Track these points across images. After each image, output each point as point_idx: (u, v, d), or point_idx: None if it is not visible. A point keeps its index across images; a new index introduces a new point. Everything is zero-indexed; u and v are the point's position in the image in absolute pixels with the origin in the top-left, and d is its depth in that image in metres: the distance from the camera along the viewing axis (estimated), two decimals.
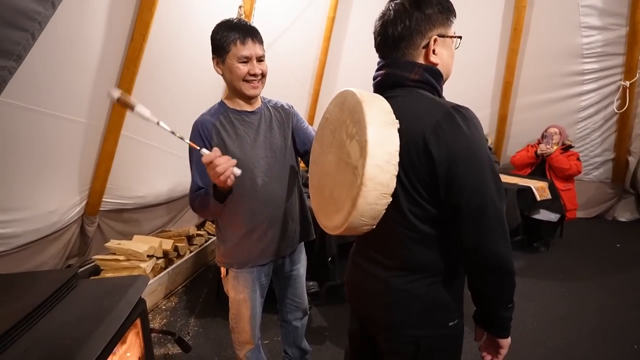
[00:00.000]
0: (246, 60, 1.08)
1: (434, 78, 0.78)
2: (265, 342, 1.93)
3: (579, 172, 3.04)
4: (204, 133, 1.12)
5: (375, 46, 0.84)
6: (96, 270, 2.34)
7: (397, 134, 0.68)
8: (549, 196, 2.77)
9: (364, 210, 0.68)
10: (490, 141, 4.06)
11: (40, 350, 0.85)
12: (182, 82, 2.67)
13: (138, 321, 1.20)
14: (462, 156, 0.69)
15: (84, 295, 1.11)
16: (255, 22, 2.96)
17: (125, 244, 2.34)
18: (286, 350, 1.50)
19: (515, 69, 3.68)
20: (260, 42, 1.11)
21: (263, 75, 1.13)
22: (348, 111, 0.75)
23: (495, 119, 4.04)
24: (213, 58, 1.13)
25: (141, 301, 1.19)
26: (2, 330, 0.84)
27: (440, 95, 0.81)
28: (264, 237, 1.20)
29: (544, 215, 2.84)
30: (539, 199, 2.71)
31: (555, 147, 3.11)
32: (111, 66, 2.15)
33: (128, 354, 1.22)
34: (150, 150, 2.71)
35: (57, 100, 1.88)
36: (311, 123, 4.44)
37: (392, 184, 0.67)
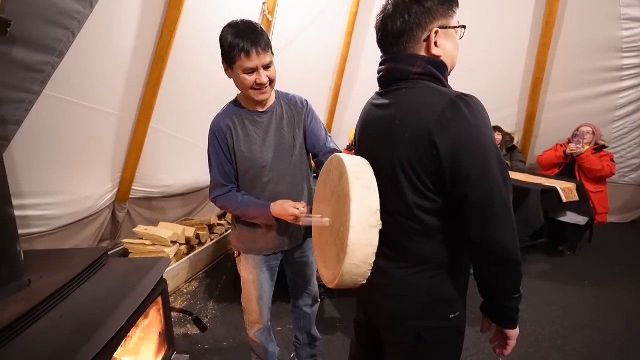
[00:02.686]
0: (252, 71, 1.09)
1: (437, 70, 0.78)
2: (278, 329, 2.00)
3: (612, 174, 2.87)
4: (219, 135, 1.19)
5: (377, 41, 0.84)
6: (125, 253, 2.50)
7: (378, 236, 0.74)
8: (576, 198, 2.63)
9: (345, 284, 0.79)
10: (517, 140, 3.90)
11: (74, 317, 0.95)
12: (207, 76, 2.77)
13: (160, 299, 1.30)
14: (467, 146, 0.69)
15: (112, 272, 1.21)
16: (278, 17, 3.02)
17: (151, 230, 2.49)
18: (297, 336, 1.56)
19: (546, 65, 3.51)
20: (266, 48, 1.08)
21: (272, 81, 1.14)
22: (342, 191, 0.78)
23: (523, 116, 3.87)
24: (222, 62, 1.14)
25: (162, 280, 1.29)
26: (43, 297, 0.94)
27: (445, 86, 0.80)
28: (268, 231, 1.25)
29: (571, 217, 2.72)
30: (565, 200, 2.59)
31: (586, 147, 2.95)
32: (141, 62, 2.28)
33: (152, 330, 1.33)
34: (177, 142, 2.85)
35: (93, 93, 2.03)
36: (332, 118, 4.46)
37: (368, 273, 0.77)
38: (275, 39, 3.09)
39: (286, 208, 1.12)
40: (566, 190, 2.62)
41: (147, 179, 2.74)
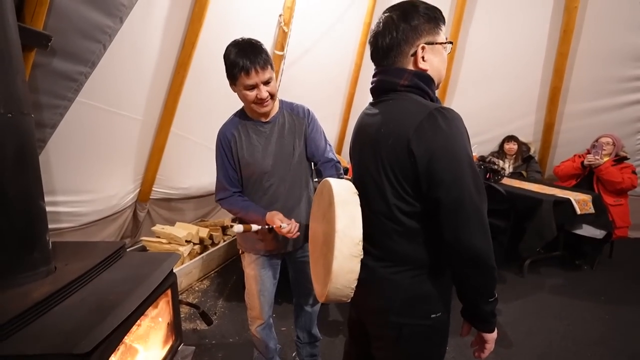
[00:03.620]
0: (252, 87, 1.16)
1: (424, 83, 0.83)
2: (283, 329, 2.06)
3: (633, 187, 2.76)
4: (224, 143, 1.29)
5: (370, 55, 0.91)
6: (144, 250, 2.65)
7: (359, 264, 0.81)
8: (591, 210, 2.55)
9: (330, 302, 0.88)
10: (534, 150, 3.82)
11: (93, 300, 1.05)
12: (225, 84, 2.91)
13: (169, 291, 1.40)
14: (440, 153, 0.74)
15: (127, 264, 1.32)
16: (293, 29, 3.14)
17: (168, 229, 2.63)
18: (298, 335, 1.61)
19: (565, 74, 3.44)
20: (265, 65, 1.15)
21: (272, 96, 1.21)
22: (331, 219, 0.84)
23: (540, 126, 3.79)
24: (227, 78, 1.21)
25: (172, 274, 1.39)
26: (67, 281, 1.06)
27: (432, 98, 0.86)
28: (267, 233, 1.32)
29: (587, 231, 2.63)
30: (579, 212, 2.51)
31: (605, 158, 2.86)
32: (164, 71, 2.45)
33: (160, 319, 1.43)
34: (195, 146, 3.00)
35: (119, 100, 2.20)
36: (345, 125, 4.52)
37: (351, 294, 0.84)
38: (290, 49, 3.22)
39: (274, 220, 1.22)
40: (580, 202, 2.55)
41: (167, 181, 2.90)
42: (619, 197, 2.82)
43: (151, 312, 1.30)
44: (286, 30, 3.03)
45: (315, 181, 1.49)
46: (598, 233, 2.60)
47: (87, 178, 2.24)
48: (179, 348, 1.49)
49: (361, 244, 0.80)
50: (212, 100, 2.91)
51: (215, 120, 3.08)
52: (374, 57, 0.90)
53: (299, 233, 1.24)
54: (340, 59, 3.90)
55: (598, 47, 3.28)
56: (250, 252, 1.38)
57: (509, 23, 3.51)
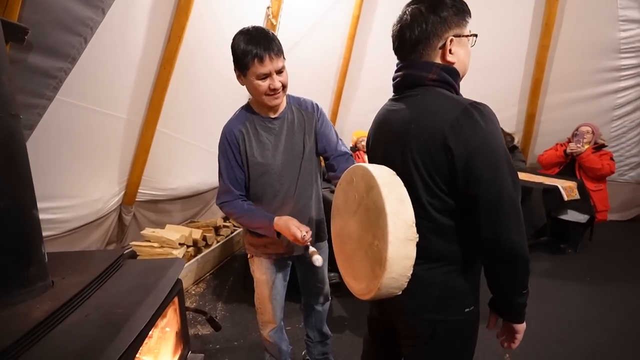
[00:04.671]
0: (265, 76, 1.10)
1: (451, 76, 0.82)
2: (288, 328, 2.02)
3: (612, 173, 2.92)
4: (231, 141, 1.20)
5: (393, 49, 0.88)
6: (133, 256, 2.52)
7: (415, 249, 0.74)
8: (577, 196, 2.68)
9: (380, 297, 0.79)
10: (517, 140, 3.95)
11: (99, 315, 0.97)
12: (215, 79, 2.80)
13: (176, 299, 1.32)
14: (479, 149, 0.73)
15: (129, 273, 1.23)
16: (282, 22, 3.06)
17: (159, 232, 2.51)
18: (308, 334, 1.59)
19: (546, 66, 3.57)
20: (279, 53, 1.10)
21: (284, 86, 1.15)
22: (374, 204, 0.77)
23: (523, 117, 3.93)
24: (235, 69, 1.14)
25: (179, 281, 1.32)
26: (68, 297, 0.97)
27: (457, 92, 0.85)
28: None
29: (572, 216, 2.76)
30: (566, 199, 2.63)
31: (586, 146, 3.00)
32: (149, 66, 2.31)
33: (167, 329, 1.35)
34: (183, 145, 2.88)
35: (101, 97, 2.06)
36: (334, 119, 4.50)
37: (405, 285, 0.76)
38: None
39: (289, 226, 1.13)
40: (567, 189, 2.66)
41: (154, 182, 2.77)
42: (599, 183, 2.98)
43: (160, 322, 1.23)
44: (274, 23, 2.95)
45: (324, 178, 1.46)
46: (582, 218, 2.74)
47: (69, 182, 2.10)
48: (188, 356, 1.43)
49: (414, 226, 0.75)
50: (200, 97, 2.79)
51: (202, 117, 2.97)
52: (399, 51, 0.87)
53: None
54: (328, 52, 3.85)
55: (576, 40, 3.42)
56: (260, 256, 1.33)
57: (492, 17, 3.58)
